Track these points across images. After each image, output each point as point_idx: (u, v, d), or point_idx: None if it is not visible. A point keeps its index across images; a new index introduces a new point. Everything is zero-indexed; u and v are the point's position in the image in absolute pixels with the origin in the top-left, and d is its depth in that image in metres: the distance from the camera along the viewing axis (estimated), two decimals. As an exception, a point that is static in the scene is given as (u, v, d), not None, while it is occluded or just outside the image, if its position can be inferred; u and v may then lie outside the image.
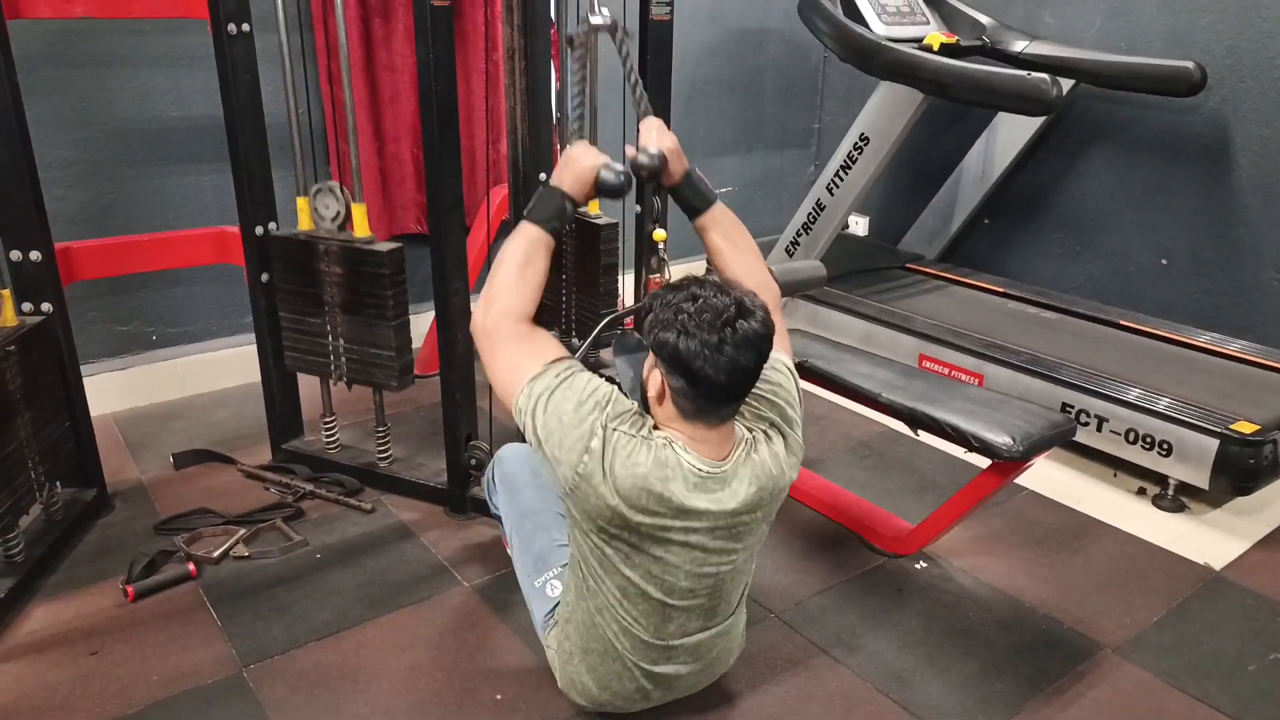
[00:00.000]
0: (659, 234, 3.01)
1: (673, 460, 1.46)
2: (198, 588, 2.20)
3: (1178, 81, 3.10)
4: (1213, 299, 3.37)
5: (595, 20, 1.92)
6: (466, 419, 2.45)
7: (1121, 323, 3.33)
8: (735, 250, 1.80)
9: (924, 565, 2.37)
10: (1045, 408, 2.27)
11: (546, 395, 1.48)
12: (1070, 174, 3.68)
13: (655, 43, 2.74)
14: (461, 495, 2.50)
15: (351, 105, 2.32)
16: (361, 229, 2.38)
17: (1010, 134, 3.66)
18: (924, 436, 2.28)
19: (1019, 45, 3.42)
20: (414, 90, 3.29)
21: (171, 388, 3.16)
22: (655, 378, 1.49)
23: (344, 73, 2.33)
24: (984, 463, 2.16)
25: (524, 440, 1.72)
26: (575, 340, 3.40)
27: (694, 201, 1.79)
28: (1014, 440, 2.02)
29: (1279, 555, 2.46)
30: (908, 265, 3.96)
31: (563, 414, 1.46)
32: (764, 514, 1.60)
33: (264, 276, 2.53)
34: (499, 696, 1.89)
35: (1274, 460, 2.52)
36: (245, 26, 2.35)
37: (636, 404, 1.55)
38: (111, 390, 3.03)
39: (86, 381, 2.45)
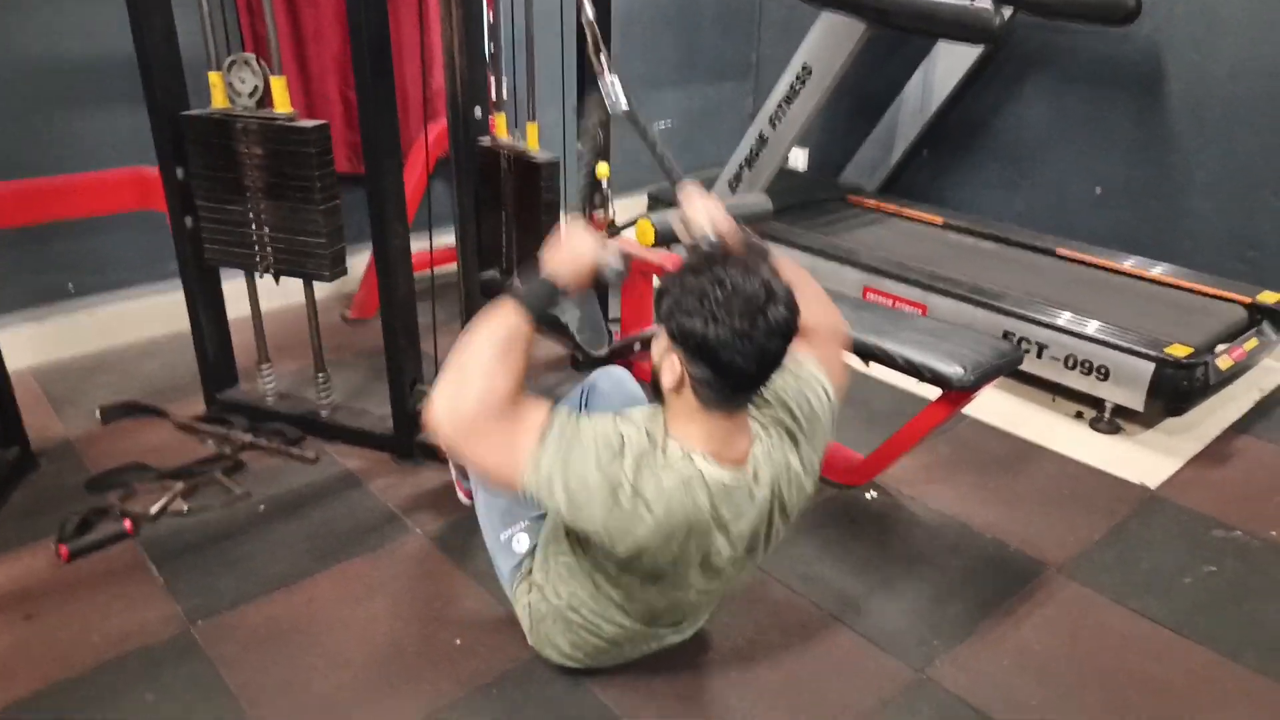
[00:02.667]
0: (602, 169, 2.95)
1: (696, 477, 1.40)
2: (135, 545, 2.12)
3: (1114, 9, 3.11)
4: (1146, 225, 3.44)
5: (613, 109, 1.80)
6: (411, 363, 2.38)
7: (1058, 251, 3.38)
8: (804, 300, 1.65)
9: (874, 495, 2.40)
10: (992, 337, 2.30)
11: (560, 466, 1.35)
12: (1008, 104, 3.69)
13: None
14: (408, 442, 2.45)
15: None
16: (283, 105, 2.20)
17: (949, 65, 3.65)
18: (873, 368, 2.29)
19: (958, -28, 3.39)
20: (339, 24, 3.13)
21: (94, 339, 3.01)
22: (673, 365, 1.38)
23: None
24: (930, 392, 2.18)
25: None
26: (516, 280, 3.33)
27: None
28: (965, 370, 2.03)
29: (1209, 472, 2.55)
30: (849, 198, 3.96)
31: (587, 480, 1.35)
32: (781, 518, 1.55)
33: (188, 221, 2.40)
34: (458, 642, 1.87)
35: (1205, 382, 2.59)
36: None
37: (643, 423, 1.44)
38: (28, 343, 2.87)
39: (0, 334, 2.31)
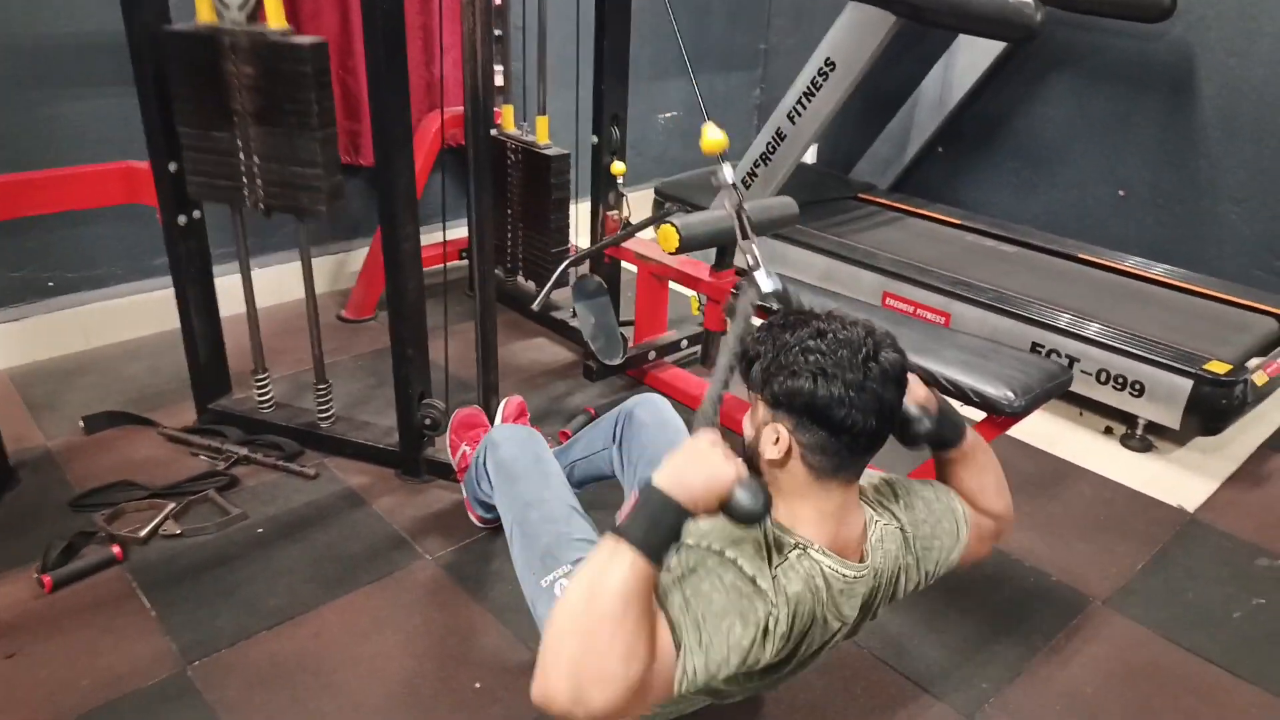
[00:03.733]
0: (617, 167, 2.81)
1: (818, 572, 1.26)
2: (125, 573, 1.97)
3: (1148, 7, 3.00)
4: (1170, 231, 3.34)
5: (767, 286, 1.64)
6: (419, 375, 2.24)
7: (1081, 256, 3.27)
8: (986, 492, 1.50)
9: (906, 518, 2.29)
10: (1040, 356, 2.19)
11: (713, 655, 1.16)
12: (1028, 102, 3.58)
13: (614, -45, 2.50)
14: (415, 457, 2.30)
15: None
16: (276, 19, 1.98)
17: (970, 60, 3.53)
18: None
19: (983, -36, 3.25)
20: (338, 7, 2.96)
21: (75, 339, 2.84)
22: (775, 436, 1.23)
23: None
24: (968, 412, 2.07)
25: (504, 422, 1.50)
26: (521, 280, 3.19)
27: (947, 436, 1.46)
28: (1015, 394, 1.92)
29: (1247, 494, 2.47)
30: (860, 195, 3.83)
31: (742, 643, 1.17)
32: (884, 608, 1.43)
33: (181, 219, 2.24)
34: (478, 685, 1.74)
35: (1244, 399, 2.50)
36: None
37: (744, 531, 1.24)
38: (4, 344, 2.70)
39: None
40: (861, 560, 1.33)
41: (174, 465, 2.32)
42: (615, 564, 1.08)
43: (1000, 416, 1.96)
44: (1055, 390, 2.01)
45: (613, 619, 1.05)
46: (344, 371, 2.79)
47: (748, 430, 1.31)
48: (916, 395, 1.38)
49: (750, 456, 1.30)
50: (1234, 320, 2.85)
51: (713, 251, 2.54)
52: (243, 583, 1.97)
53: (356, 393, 2.68)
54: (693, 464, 1.16)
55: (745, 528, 1.22)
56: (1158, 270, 3.15)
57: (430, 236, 3.42)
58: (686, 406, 2.57)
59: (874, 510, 1.40)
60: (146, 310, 2.90)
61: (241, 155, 2.09)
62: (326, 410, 2.40)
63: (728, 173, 1.79)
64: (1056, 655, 1.89)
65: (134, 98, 2.14)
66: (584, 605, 1.07)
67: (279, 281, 3.04)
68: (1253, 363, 2.66)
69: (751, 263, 1.76)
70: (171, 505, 2.13)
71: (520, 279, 3.18)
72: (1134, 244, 3.39)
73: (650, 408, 1.89)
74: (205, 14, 2.03)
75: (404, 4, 1.92)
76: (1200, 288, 3.03)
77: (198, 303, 2.34)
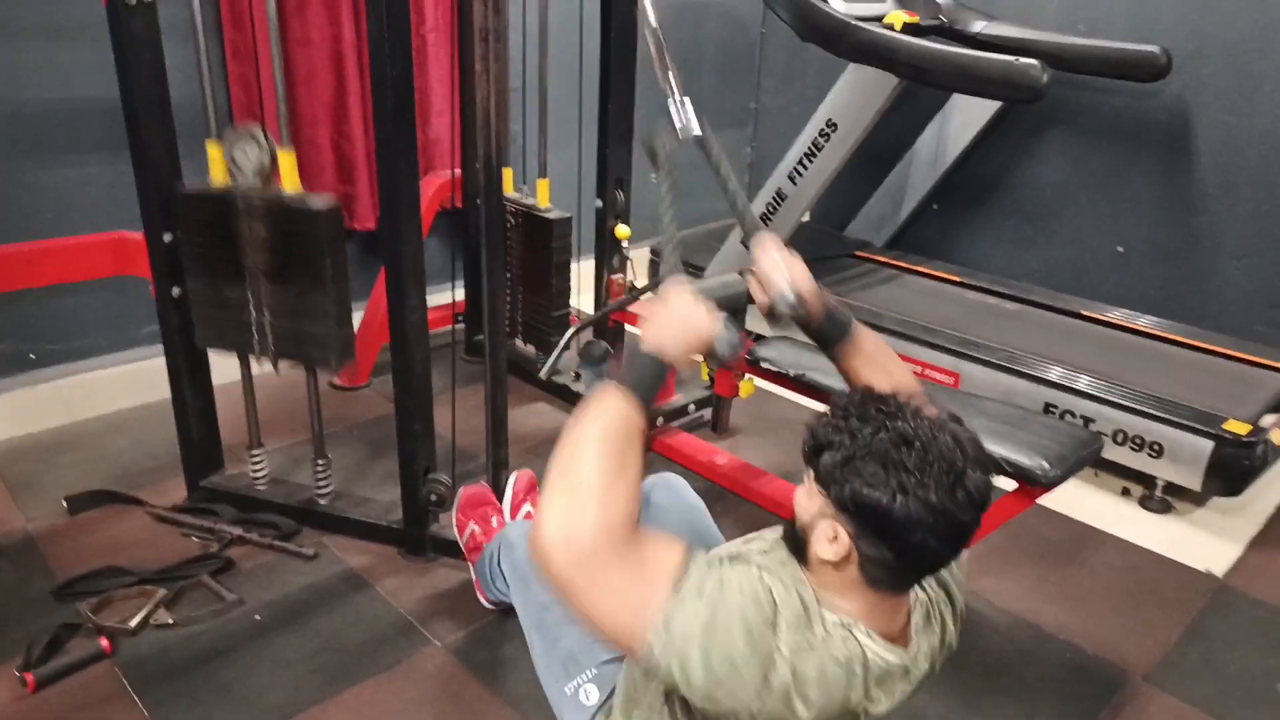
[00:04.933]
0: (621, 230, 2.76)
1: (858, 656, 1.12)
2: (114, 667, 1.85)
3: (1143, 66, 3.01)
4: (1171, 287, 3.33)
5: (683, 133, 1.60)
6: (425, 449, 2.15)
7: (1084, 313, 3.25)
8: (893, 383, 1.37)
9: (932, 590, 2.21)
10: (1069, 424, 2.14)
11: (701, 636, 1.05)
12: (1025, 159, 3.58)
13: (619, 17, 2.49)
14: (420, 535, 2.20)
15: (278, 47, 1.95)
16: (291, 182, 2.01)
17: (965, 118, 3.54)
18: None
19: (977, 25, 3.28)
20: (333, 68, 2.91)
21: (57, 413, 2.71)
22: (833, 533, 1.09)
23: (271, 36, 1.96)
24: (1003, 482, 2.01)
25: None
26: (520, 343, 3.12)
27: (834, 334, 1.39)
28: (1049, 464, 1.86)
29: (1275, 557, 2.41)
30: (857, 253, 3.81)
31: (734, 656, 1.05)
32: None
33: (175, 291, 2.15)
34: (499, 787, 1.63)
35: (1265, 459, 2.46)
36: (146, -7, 1.96)
37: (790, 581, 1.14)
38: (-17, 419, 2.58)
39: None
40: (906, 646, 1.20)
41: (164, 547, 2.20)
42: (599, 406, 1.15)
43: (1034, 487, 1.90)
44: (1088, 459, 1.96)
45: (598, 459, 1.09)
46: (339, 442, 2.68)
47: (800, 508, 1.17)
48: (801, 284, 1.34)
49: (797, 535, 1.17)
50: (1245, 377, 2.82)
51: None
52: (240, 677, 1.84)
53: (354, 465, 2.57)
54: (671, 316, 1.23)
55: (802, 585, 1.15)
56: (1162, 326, 3.13)
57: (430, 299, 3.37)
58: (700, 476, 2.49)
59: (921, 589, 1.27)
60: (131, 382, 2.79)
61: (252, 309, 2.08)
62: (325, 486, 2.30)
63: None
64: (1102, 738, 1.81)
65: (121, 164, 2.07)
66: (573, 443, 1.12)
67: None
68: (1267, 420, 2.62)
69: (671, 95, 1.70)
70: (163, 592, 2.01)
71: (519, 343, 3.10)
72: (1134, 300, 3.37)
73: (668, 491, 1.79)
74: (219, 176, 2.04)
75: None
76: (1206, 344, 3.01)
77: (190, 376, 2.24)
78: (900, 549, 1.07)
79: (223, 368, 2.32)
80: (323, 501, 2.30)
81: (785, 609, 1.10)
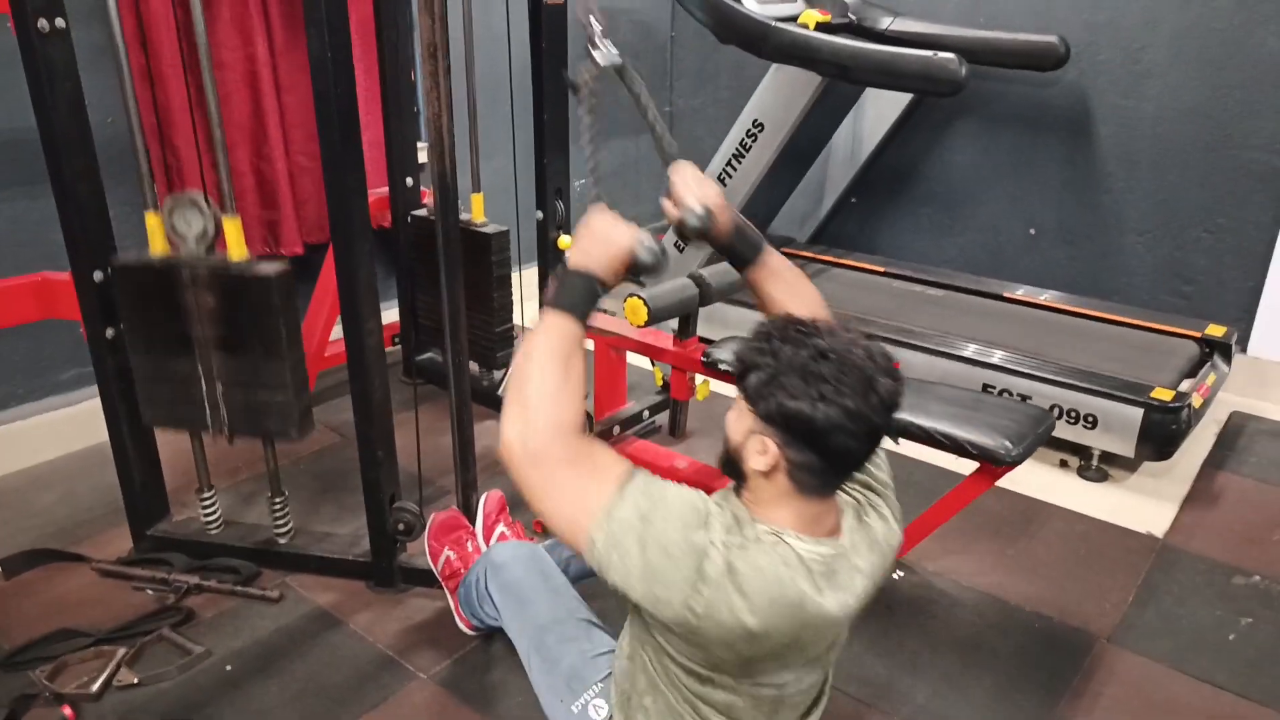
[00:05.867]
0: (564, 241, 2.74)
1: (791, 557, 1.20)
2: (79, 736, 1.74)
3: (1044, 56, 3.15)
4: (1080, 265, 3.50)
5: (603, 60, 1.62)
6: (390, 477, 2.09)
7: (1005, 295, 3.39)
8: (801, 302, 1.48)
9: (901, 574, 2.27)
10: (1022, 403, 2.22)
11: (639, 526, 1.17)
12: (937, 149, 3.71)
13: (550, 29, 2.47)
14: (389, 566, 2.14)
15: (217, 108, 1.89)
16: (237, 249, 1.95)
17: (878, 112, 3.64)
18: (902, 444, 2.16)
19: (885, 22, 3.38)
20: (248, 90, 2.81)
21: (-28, 471, 2.54)
22: (762, 448, 1.19)
23: (204, 70, 1.88)
24: (955, 464, 2.07)
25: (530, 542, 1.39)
26: (550, 286, 3.06)
27: (745, 253, 1.50)
28: (1011, 444, 1.93)
29: (1206, 515, 2.56)
30: (783, 250, 3.87)
31: (668, 545, 1.16)
32: (877, 586, 1.37)
33: (109, 332, 2.04)
34: (509, 816, 1.60)
35: (1189, 423, 2.61)
36: (60, 21, 1.85)
37: (723, 500, 1.26)
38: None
39: None
40: (835, 537, 1.27)
41: (116, 604, 2.08)
42: (548, 328, 1.28)
43: (998, 466, 1.96)
44: (1044, 435, 2.03)
45: (545, 370, 1.24)
46: (286, 478, 2.57)
47: (731, 429, 1.27)
48: (710, 200, 1.43)
49: (730, 457, 1.28)
50: (1161, 346, 2.99)
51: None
52: (219, 732, 1.76)
53: (307, 500, 2.48)
54: (593, 236, 1.35)
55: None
56: (1078, 303, 3.29)
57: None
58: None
59: (848, 494, 1.36)
60: (54, 431, 2.64)
61: (203, 383, 2.00)
62: (284, 525, 2.21)
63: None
64: (1080, 700, 1.89)
65: (39, 199, 1.95)
66: (525, 361, 1.26)
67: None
68: (1185, 385, 2.78)
69: (591, 31, 1.77)
70: (123, 650, 1.90)
71: (548, 287, 3.05)
72: (1048, 279, 3.53)
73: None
74: (158, 246, 1.95)
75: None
76: (1121, 317, 3.17)
77: (130, 421, 2.13)
78: (824, 452, 1.17)
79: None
80: (282, 541, 2.21)
81: (718, 514, 1.21)
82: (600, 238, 1.35)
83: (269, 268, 1.92)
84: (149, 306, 1.97)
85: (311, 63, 1.76)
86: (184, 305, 1.94)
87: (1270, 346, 3.18)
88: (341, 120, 1.80)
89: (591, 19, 1.82)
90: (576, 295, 1.31)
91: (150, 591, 2.11)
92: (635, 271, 1.37)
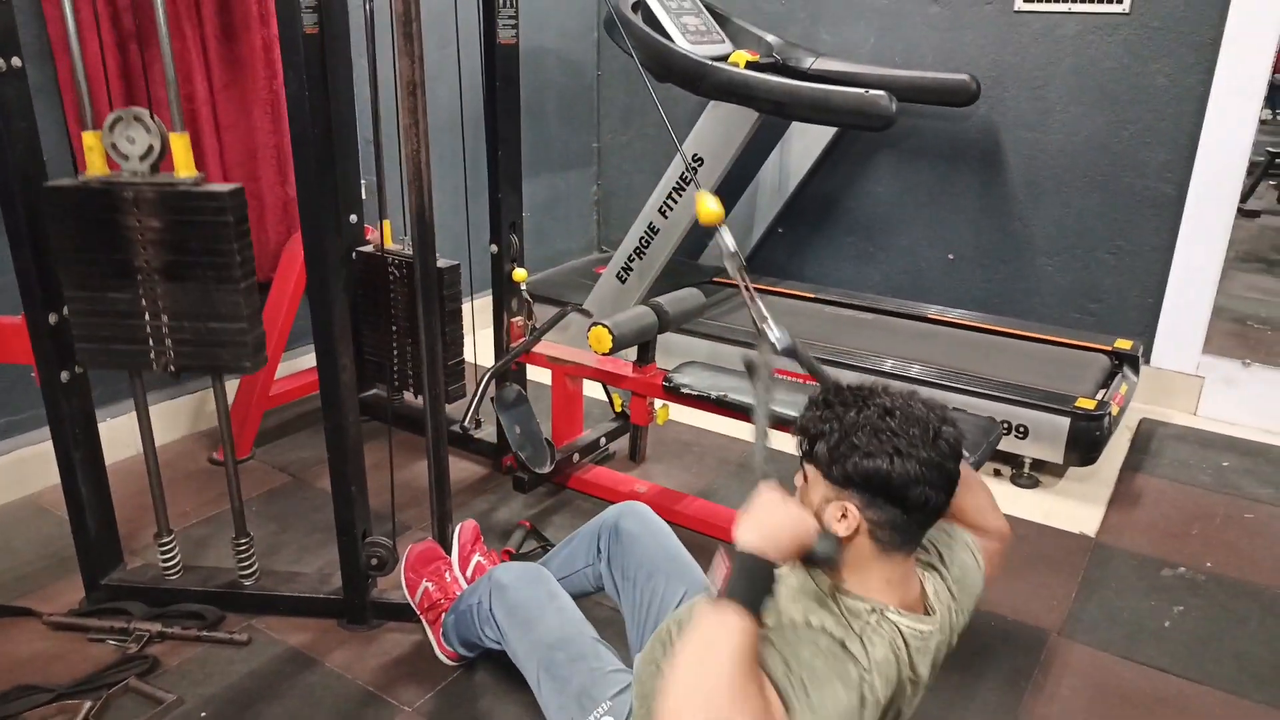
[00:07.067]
0: (519, 274, 2.78)
1: (896, 636, 1.26)
2: (51, 796, 1.67)
3: (957, 93, 3.37)
4: (996, 286, 3.71)
5: (785, 344, 1.63)
6: (363, 513, 2.08)
7: (929, 316, 3.56)
8: (985, 512, 1.60)
9: (862, 584, 2.36)
10: (969, 415, 2.35)
11: (816, 710, 1.17)
12: (859, 180, 3.89)
13: (504, 68, 2.53)
14: (361, 602, 2.12)
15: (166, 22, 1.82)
16: (185, 167, 1.81)
17: (804, 145, 3.80)
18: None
19: (808, 61, 3.55)
20: (190, 129, 2.76)
21: (-102, 528, 2.40)
22: (841, 512, 1.23)
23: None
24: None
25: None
26: (412, 396, 3.04)
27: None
28: (968, 453, 2.03)
29: (1130, 514, 2.74)
30: (715, 280, 3.99)
31: (837, 704, 1.18)
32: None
33: (64, 375, 1.98)
34: (515, 841, 1.60)
35: (1110, 429, 2.80)
36: (15, 61, 1.81)
37: (815, 603, 1.28)
38: None
39: None
40: (929, 614, 1.35)
41: (74, 658, 2.00)
42: (725, 627, 1.12)
43: (956, 473, 2.08)
44: (994, 444, 2.17)
45: (731, 681, 1.09)
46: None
47: (807, 504, 1.30)
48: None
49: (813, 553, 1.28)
50: (1077, 360, 3.20)
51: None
52: (203, 781, 1.72)
53: (263, 540, 2.43)
54: (775, 518, 1.23)
55: (819, 588, 1.29)
56: (997, 322, 3.49)
57: (298, 363, 3.23)
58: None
59: (919, 567, 1.42)
60: (-16, 481, 2.52)
61: (146, 316, 1.88)
62: (249, 566, 2.16)
63: (729, 239, 1.81)
64: (1041, 693, 2.00)
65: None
66: (702, 670, 1.10)
67: (132, 431, 2.73)
68: (1103, 395, 2.98)
69: (759, 319, 1.76)
70: (88, 704, 1.84)
71: (411, 395, 3.04)
72: (967, 301, 3.73)
73: (636, 519, 1.86)
74: (98, 166, 1.84)
75: (252, 118, 1.81)
76: (1037, 334, 3.38)
77: (85, 467, 2.06)
78: (905, 505, 1.22)
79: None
80: (248, 582, 2.16)
81: (836, 631, 1.22)
82: (786, 521, 1.23)
83: (220, 187, 1.81)
84: (86, 235, 1.82)
85: (289, 103, 1.78)
86: (125, 231, 1.81)
87: (1170, 357, 3.44)
88: (319, 161, 1.82)
89: (760, 306, 1.79)
90: (756, 587, 1.17)
91: (110, 642, 2.04)
92: (810, 560, 1.28)
